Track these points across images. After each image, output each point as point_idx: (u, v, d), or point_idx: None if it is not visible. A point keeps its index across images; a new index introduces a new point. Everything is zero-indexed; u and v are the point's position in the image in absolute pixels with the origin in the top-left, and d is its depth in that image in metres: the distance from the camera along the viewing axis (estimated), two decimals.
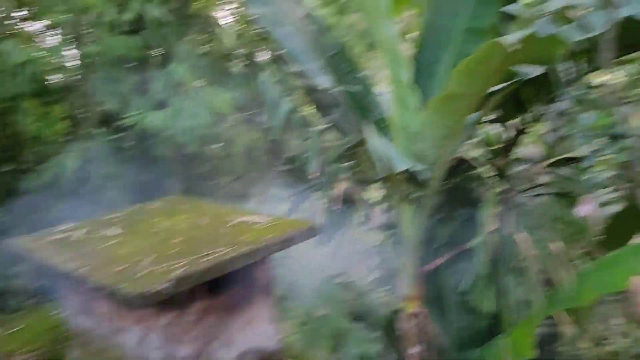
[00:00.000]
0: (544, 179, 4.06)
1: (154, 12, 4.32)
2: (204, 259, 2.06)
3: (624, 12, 2.63)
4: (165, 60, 4.42)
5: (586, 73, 3.58)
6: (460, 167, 3.65)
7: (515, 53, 2.65)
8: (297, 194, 4.42)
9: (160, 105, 4.42)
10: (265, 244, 2.21)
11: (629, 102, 4.61)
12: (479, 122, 3.29)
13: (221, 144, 4.78)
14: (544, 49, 2.68)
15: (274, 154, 4.88)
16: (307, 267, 4.44)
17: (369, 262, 4.35)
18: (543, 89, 3.51)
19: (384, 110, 3.72)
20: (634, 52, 3.51)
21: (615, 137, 2.26)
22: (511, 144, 3.82)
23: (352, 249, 3.99)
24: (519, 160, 4.37)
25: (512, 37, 2.42)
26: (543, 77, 3.44)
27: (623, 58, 3.51)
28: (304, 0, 3.77)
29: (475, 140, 3.59)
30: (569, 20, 2.55)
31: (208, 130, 4.50)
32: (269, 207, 4.76)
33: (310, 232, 2.25)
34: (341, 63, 3.63)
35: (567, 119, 2.79)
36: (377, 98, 3.75)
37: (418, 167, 2.97)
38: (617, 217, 3.74)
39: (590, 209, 2.75)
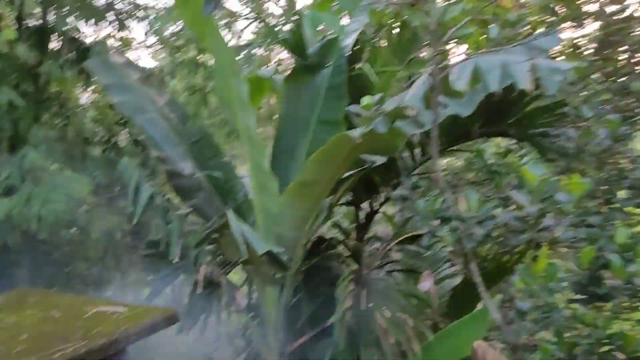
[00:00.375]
0: (395, 256, 4.42)
1: (5, 96, 4.13)
2: (56, 355, 1.95)
3: (447, 111, 3.10)
4: (17, 144, 4.20)
5: (424, 162, 4.09)
6: (319, 248, 3.86)
7: (361, 145, 2.98)
8: (159, 279, 4.31)
9: (10, 191, 4.14)
10: (122, 334, 2.16)
11: (457, 187, 5.28)
12: (334, 205, 3.55)
13: (77, 230, 4.55)
14: (384, 141, 3.05)
15: (135, 238, 4.74)
16: (171, 354, 4.27)
17: (235, 344, 4.30)
18: (389, 175, 3.93)
19: (248, 193, 3.88)
20: (463, 142, 4.11)
21: (445, 219, 2.60)
22: (364, 224, 4.14)
23: (217, 333, 3.93)
24: (372, 239, 4.73)
25: (357, 132, 2.73)
26: (390, 164, 3.87)
27: (454, 147, 4.09)
28: (165, 88, 3.89)
29: (332, 221, 3.84)
30: (405, 117, 2.93)
31: (64, 216, 4.28)
32: (130, 294, 4.56)
33: (171, 319, 2.25)
34: (204, 149, 3.75)
35: (408, 202, 3.15)
36: (240, 182, 3.90)
37: (278, 249, 3.11)
38: (457, 290, 4.17)
39: (429, 284, 3.07)
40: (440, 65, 2.59)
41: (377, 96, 2.45)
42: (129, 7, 3.91)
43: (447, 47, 4.98)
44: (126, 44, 4.64)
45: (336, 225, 3.89)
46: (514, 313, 2.72)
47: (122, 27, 3.78)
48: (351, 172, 3.37)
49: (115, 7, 3.80)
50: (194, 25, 3.28)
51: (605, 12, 3.32)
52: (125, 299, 5.08)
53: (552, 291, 2.53)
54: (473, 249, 3.90)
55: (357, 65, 3.72)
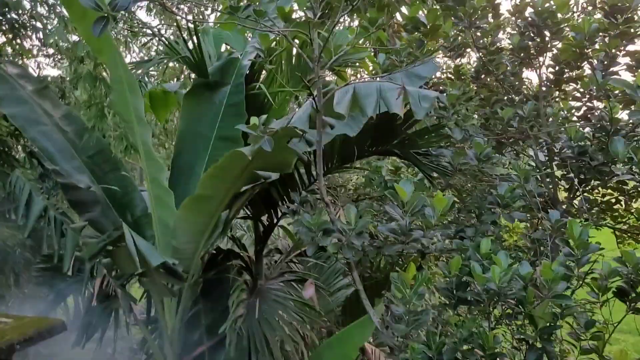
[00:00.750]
0: (292, 267, 4.62)
1: None
2: None
3: (335, 132, 3.34)
4: None
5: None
6: (217, 260, 3.97)
7: (255, 161, 3.15)
8: (56, 293, 4.24)
9: None
10: (5, 344, 2.18)
11: (358, 201, 5.57)
12: (231, 219, 3.68)
13: None
14: (277, 158, 3.24)
15: (30, 252, 4.61)
16: None
17: (133, 357, 4.30)
18: (285, 190, 4.12)
19: (148, 207, 3.92)
20: (356, 160, 4.39)
21: (326, 232, 2.81)
22: (262, 237, 4.30)
23: (115, 345, 3.93)
24: (272, 252, 4.91)
25: (247, 149, 2.89)
26: (287, 179, 4.07)
27: (348, 165, 4.37)
28: (60, 101, 3.86)
29: (230, 234, 3.97)
30: (295, 136, 3.13)
31: None
32: (28, 308, 4.43)
33: (56, 329, 2.29)
34: (101, 163, 3.76)
35: (298, 216, 3.34)
36: (140, 196, 3.93)
37: (173, 261, 3.20)
38: (350, 299, 4.45)
39: (311, 292, 3.28)
40: (325, 89, 2.82)
41: (263, 117, 2.63)
42: (24, 17, 3.84)
43: (347, 71, 5.30)
44: (26, 53, 4.53)
45: (232, 238, 4.02)
46: (390, 317, 2.97)
47: (15, 37, 3.71)
48: (247, 187, 3.52)
49: (11, 15, 3.73)
50: (91, 40, 3.31)
51: (480, 43, 3.71)
52: (22, 313, 4.92)
53: (420, 296, 2.80)
54: (361, 260, 4.20)
55: (255, 85, 3.89)
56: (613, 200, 4.18)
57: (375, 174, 6.17)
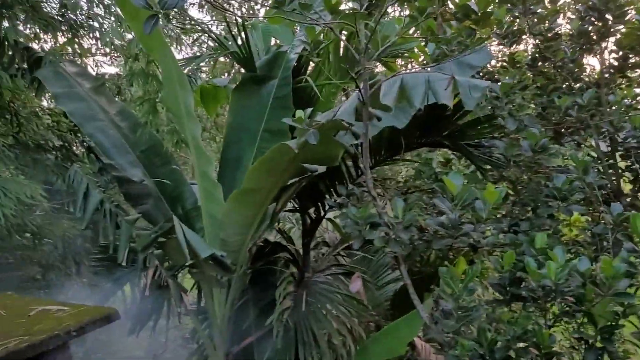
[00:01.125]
0: (339, 260, 4.60)
1: None
2: None
3: (382, 124, 3.28)
4: None
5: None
6: (265, 252, 4.00)
7: (301, 154, 3.14)
8: (112, 283, 4.39)
9: None
10: (62, 330, 2.27)
11: (407, 194, 5.47)
12: (278, 212, 3.69)
13: (29, 234, 4.58)
14: (323, 151, 3.21)
15: (90, 243, 4.80)
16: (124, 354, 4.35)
17: (185, 345, 4.40)
18: (333, 183, 4.10)
19: (197, 200, 4.00)
20: (404, 152, 4.31)
21: (373, 225, 2.77)
22: (310, 230, 4.30)
23: (167, 334, 4.04)
24: (320, 245, 4.90)
25: (294, 142, 2.88)
26: (335, 172, 4.04)
27: (397, 157, 4.30)
28: (115, 98, 3.98)
29: (279, 227, 3.98)
30: (342, 129, 3.09)
31: (15, 220, 4.32)
32: (81, 296, 4.62)
33: (110, 317, 2.37)
34: (153, 157, 3.85)
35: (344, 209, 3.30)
36: (190, 189, 4.01)
37: (221, 252, 3.24)
38: (399, 293, 4.38)
39: (359, 286, 3.24)
40: (372, 81, 2.77)
41: (309, 110, 2.61)
42: (81, 17, 3.98)
43: (397, 61, 5.20)
44: (83, 52, 4.70)
45: (279, 231, 4.03)
46: (439, 313, 2.89)
47: (74, 36, 3.86)
48: (294, 180, 3.52)
49: (69, 16, 3.87)
50: (143, 38, 3.39)
51: (536, 30, 3.55)
52: (81, 301, 5.13)
53: (471, 292, 2.71)
54: (410, 254, 4.11)
55: (302, 78, 3.88)
56: None
57: (425, 166, 6.04)
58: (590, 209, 3.65)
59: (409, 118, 3.33)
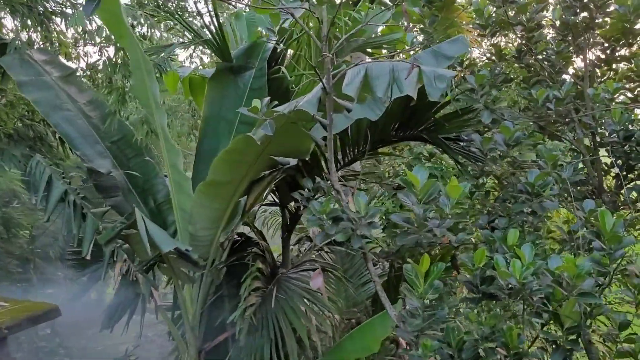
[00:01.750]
0: (323, 256, 4.51)
1: None
2: None
3: (354, 116, 3.17)
4: None
5: (348, 163, 4.18)
6: (239, 247, 3.91)
7: (270, 146, 3.05)
8: (78, 276, 4.32)
9: None
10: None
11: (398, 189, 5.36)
12: (252, 205, 3.60)
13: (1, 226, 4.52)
14: (292, 144, 3.12)
15: (57, 235, 4.73)
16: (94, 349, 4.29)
17: (155, 341, 4.33)
18: (311, 176, 3.99)
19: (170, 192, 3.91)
20: (383, 146, 4.21)
21: (335, 219, 2.67)
22: (290, 224, 4.21)
23: (139, 330, 3.96)
24: (302, 239, 4.81)
25: (257, 134, 2.79)
26: (313, 165, 3.94)
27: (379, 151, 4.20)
28: (85, 86, 3.90)
29: (246, 221, 3.88)
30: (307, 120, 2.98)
31: None
32: (47, 290, 4.57)
33: (51, 313, 2.30)
34: (124, 148, 3.77)
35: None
36: (163, 181, 3.93)
37: (186, 247, 3.15)
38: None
39: (320, 282, 3.14)
40: (335, 71, 2.66)
41: (266, 100, 2.51)
42: (53, 5, 3.89)
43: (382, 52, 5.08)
44: (64, 43, 4.61)
45: (248, 225, 3.94)
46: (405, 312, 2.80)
47: (42, 23, 3.77)
48: (265, 173, 3.44)
49: (38, 8, 3.77)
50: (110, 25, 3.31)
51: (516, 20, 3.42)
52: (58, 295, 5.09)
53: (436, 290, 2.62)
54: (400, 250, 4.01)
55: (278, 68, 3.78)
56: None
57: (416, 160, 5.92)
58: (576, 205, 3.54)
59: (383, 109, 3.23)
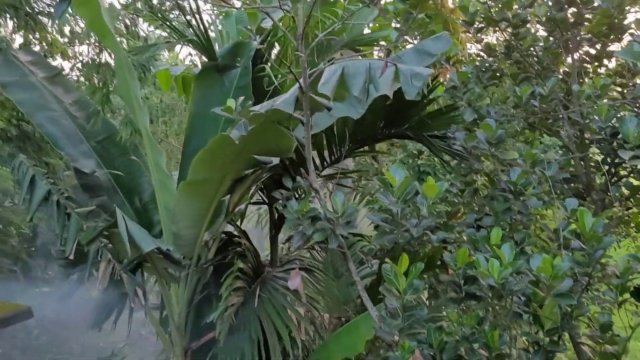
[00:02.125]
0: (314, 254, 4.48)
1: None
2: None
3: (336, 114, 3.15)
4: None
5: (335, 162, 4.16)
6: (226, 246, 3.89)
7: (250, 145, 3.03)
8: (76, 276, 4.32)
9: None
10: None
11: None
12: (236, 204, 3.59)
13: None
14: (272, 143, 3.10)
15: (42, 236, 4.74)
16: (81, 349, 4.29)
17: (149, 339, 4.33)
18: (298, 175, 3.97)
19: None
20: (370, 143, 4.18)
21: (313, 219, 2.65)
22: (278, 222, 4.19)
23: (126, 328, 3.95)
24: (291, 238, 4.78)
25: (235, 133, 2.77)
26: (301, 164, 3.92)
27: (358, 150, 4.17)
28: (71, 86, 3.89)
29: (230, 219, 3.86)
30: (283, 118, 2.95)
31: None
32: (43, 289, 4.58)
33: (23, 314, 2.29)
34: (111, 147, 3.76)
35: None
36: (149, 180, 3.91)
37: (167, 246, 3.14)
38: (369, 288, 4.25)
39: (298, 282, 3.12)
40: (312, 70, 2.64)
41: (241, 99, 2.49)
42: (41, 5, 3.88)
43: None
44: (55, 42, 4.61)
45: (232, 223, 3.93)
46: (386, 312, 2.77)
47: (26, 24, 3.77)
48: (248, 172, 3.42)
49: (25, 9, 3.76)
50: (93, 25, 3.29)
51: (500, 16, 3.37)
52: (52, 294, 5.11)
53: (416, 290, 2.59)
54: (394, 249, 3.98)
55: (262, 67, 3.76)
56: None
57: (410, 157, 5.88)
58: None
59: (365, 107, 3.20)
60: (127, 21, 3.75)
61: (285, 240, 4.85)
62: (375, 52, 5.29)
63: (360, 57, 3.51)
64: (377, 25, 4.28)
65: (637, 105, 2.98)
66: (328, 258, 4.73)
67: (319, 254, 4.76)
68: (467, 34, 4.82)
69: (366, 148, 4.35)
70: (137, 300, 3.68)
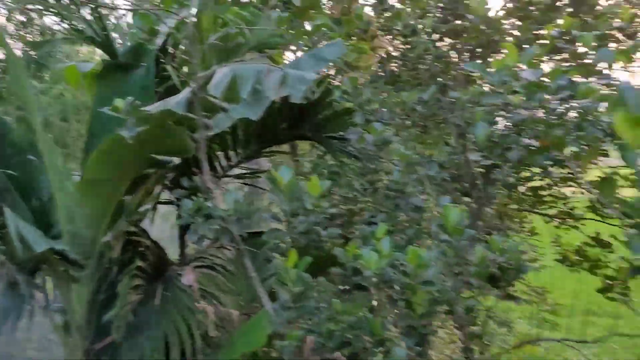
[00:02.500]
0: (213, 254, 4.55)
1: None
2: None
3: (234, 115, 3.25)
4: None
5: (240, 161, 4.26)
6: (130, 245, 3.89)
7: (147, 144, 3.07)
8: None
9: None
10: None
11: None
12: (139, 203, 3.60)
13: None
14: (170, 142, 3.16)
15: None
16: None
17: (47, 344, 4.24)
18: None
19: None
20: (274, 145, 4.31)
21: (207, 217, 2.75)
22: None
23: (24, 334, 3.87)
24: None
25: (127, 131, 2.80)
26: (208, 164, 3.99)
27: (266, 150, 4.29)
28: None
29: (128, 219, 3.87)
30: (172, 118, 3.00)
31: None
32: None
33: None
34: (6, 147, 3.68)
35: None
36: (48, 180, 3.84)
37: (63, 247, 3.13)
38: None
39: (191, 278, 3.23)
40: (204, 73, 2.74)
41: (130, 99, 2.55)
42: None
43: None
44: None
45: (131, 222, 3.94)
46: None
47: None
48: (150, 171, 3.45)
49: None
50: None
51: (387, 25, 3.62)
52: None
53: (305, 283, 2.75)
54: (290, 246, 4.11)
55: (168, 66, 3.79)
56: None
57: (320, 158, 6.05)
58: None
59: (263, 109, 3.32)
60: (22, 17, 3.66)
61: (197, 239, 4.88)
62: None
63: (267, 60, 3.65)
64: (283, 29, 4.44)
65: (509, 110, 3.29)
66: (236, 256, 4.83)
67: (230, 253, 4.84)
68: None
69: (274, 149, 4.48)
70: (36, 303, 3.61)
